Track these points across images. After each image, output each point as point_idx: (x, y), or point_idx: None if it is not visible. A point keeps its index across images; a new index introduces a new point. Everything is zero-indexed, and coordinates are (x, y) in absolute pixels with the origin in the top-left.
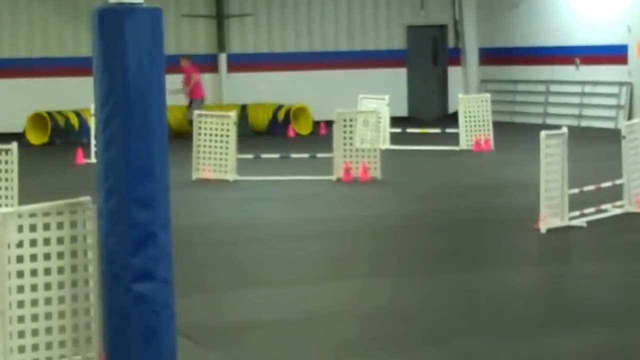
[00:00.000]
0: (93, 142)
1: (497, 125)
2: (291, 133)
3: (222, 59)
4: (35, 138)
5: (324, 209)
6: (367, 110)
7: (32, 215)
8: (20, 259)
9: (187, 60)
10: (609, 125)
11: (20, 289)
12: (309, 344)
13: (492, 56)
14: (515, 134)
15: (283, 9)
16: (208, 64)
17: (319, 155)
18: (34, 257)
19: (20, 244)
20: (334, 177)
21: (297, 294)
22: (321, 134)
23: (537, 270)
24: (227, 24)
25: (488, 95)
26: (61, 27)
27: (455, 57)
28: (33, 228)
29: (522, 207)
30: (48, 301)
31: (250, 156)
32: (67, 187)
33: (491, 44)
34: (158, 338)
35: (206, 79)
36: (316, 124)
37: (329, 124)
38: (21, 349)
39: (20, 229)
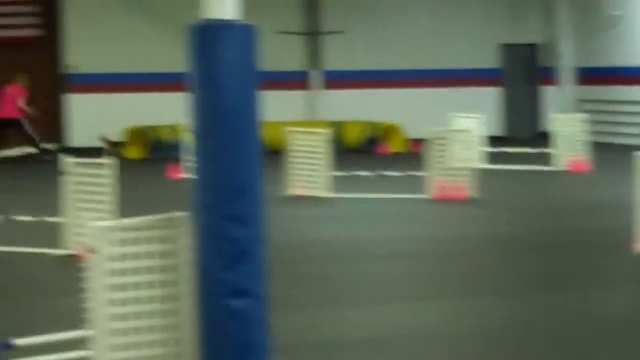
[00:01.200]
0: (188, 157)
1: (595, 145)
2: (385, 150)
3: (315, 75)
4: (133, 152)
5: (417, 228)
6: (461, 128)
7: (129, 229)
8: (117, 273)
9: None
10: None
11: (117, 303)
12: None
13: (590, 75)
14: (614, 155)
15: (377, 27)
16: (299, 80)
17: (413, 173)
18: (130, 271)
19: (117, 258)
20: (427, 196)
21: (390, 312)
22: (415, 152)
23: (634, 292)
24: (321, 40)
25: (584, 115)
26: (161, 43)
27: (550, 76)
28: (130, 242)
29: (617, 228)
30: (142, 315)
31: (343, 173)
32: (163, 201)
33: (588, 63)
34: (253, 354)
35: (297, 96)
36: (410, 141)
37: (423, 142)
38: None
39: (117, 242)
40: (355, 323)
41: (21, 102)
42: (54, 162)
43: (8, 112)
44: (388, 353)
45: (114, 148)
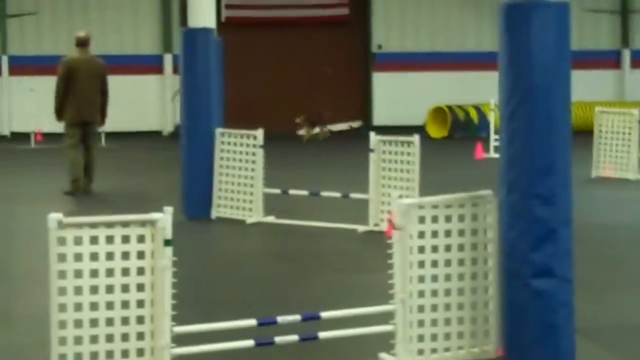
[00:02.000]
0: (493, 137)
1: None
2: None
3: (626, 55)
4: (436, 131)
5: None
6: None
7: (434, 206)
8: (421, 250)
9: None
10: None
11: (421, 279)
12: None
13: None
14: None
15: None
16: (609, 60)
17: None
18: (435, 248)
19: (421, 235)
20: None
21: None
22: None
23: None
24: (632, 19)
25: None
26: (464, 22)
27: None
28: (434, 219)
29: None
30: (447, 292)
31: None
32: (466, 180)
33: None
34: (556, 335)
35: (607, 76)
36: None
37: None
38: (420, 338)
39: (421, 220)
40: None
41: None
42: (362, 140)
43: None
44: None
45: (310, 130)
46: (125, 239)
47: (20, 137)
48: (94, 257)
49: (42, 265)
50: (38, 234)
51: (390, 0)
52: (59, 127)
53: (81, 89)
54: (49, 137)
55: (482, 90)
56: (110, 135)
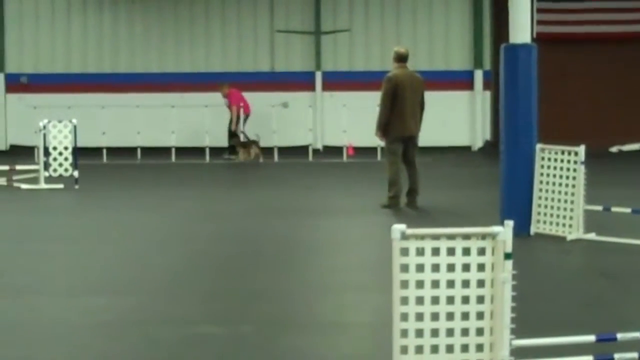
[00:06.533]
0: None
1: None
2: None
3: None
4: None
5: None
6: None
7: None
8: None
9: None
10: None
11: None
12: None
13: None
14: None
15: None
16: None
17: None
18: None
19: None
20: None
21: None
22: None
23: None
24: None
25: None
26: None
27: None
28: None
29: None
30: None
31: None
32: None
33: None
34: None
35: None
36: None
37: None
38: None
39: None
40: None
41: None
42: None
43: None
44: None
45: (245, 147)
46: (466, 251)
47: (333, 151)
48: (435, 268)
49: (367, 275)
50: (363, 245)
51: None
52: (371, 141)
53: (406, 104)
54: (360, 151)
55: None
56: (421, 149)
